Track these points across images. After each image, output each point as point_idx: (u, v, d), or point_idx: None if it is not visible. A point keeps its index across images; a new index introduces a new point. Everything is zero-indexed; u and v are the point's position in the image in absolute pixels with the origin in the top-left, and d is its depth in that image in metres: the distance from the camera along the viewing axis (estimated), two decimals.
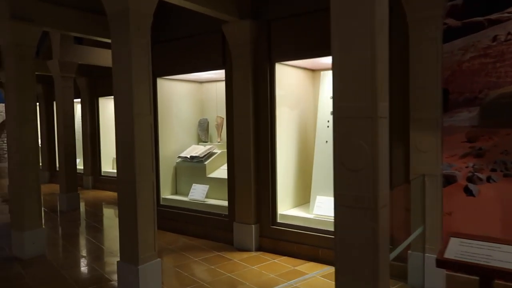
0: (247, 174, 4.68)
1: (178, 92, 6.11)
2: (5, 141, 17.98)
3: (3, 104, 14.76)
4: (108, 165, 9.77)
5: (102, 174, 9.55)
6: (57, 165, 8.90)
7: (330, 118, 4.63)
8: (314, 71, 5.31)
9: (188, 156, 5.86)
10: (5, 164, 16.56)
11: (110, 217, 7.05)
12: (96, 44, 7.55)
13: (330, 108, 4.86)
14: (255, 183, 4.69)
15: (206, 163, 5.76)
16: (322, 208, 4.46)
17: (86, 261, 4.53)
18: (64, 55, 6.93)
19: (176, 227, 5.52)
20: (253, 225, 4.68)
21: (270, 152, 4.63)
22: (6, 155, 17.76)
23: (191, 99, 6.32)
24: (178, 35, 5.47)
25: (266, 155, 4.65)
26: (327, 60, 4.64)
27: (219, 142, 6.16)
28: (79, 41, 7.87)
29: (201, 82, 6.46)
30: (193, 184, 5.69)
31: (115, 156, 9.72)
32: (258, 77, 4.64)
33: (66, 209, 7.00)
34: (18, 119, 4.46)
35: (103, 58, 7.61)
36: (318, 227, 4.35)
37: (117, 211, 7.12)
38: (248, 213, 4.70)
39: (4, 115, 15.17)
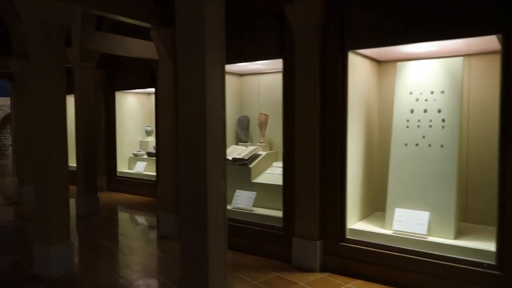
0: (311, 181, 3.99)
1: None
2: (7, 137, 17.21)
3: (5, 98, 13.99)
4: (124, 165, 9.05)
5: (118, 174, 8.83)
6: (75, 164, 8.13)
7: (410, 117, 3.95)
8: (380, 62, 4.63)
9: (230, 158, 5.16)
10: (7, 161, 15.81)
11: (136, 225, 6.35)
12: (116, 32, 6.84)
13: (410, 106, 4.20)
14: (321, 191, 4.00)
15: (251, 166, 5.06)
16: (403, 223, 3.78)
17: (124, 282, 3.82)
18: (85, 42, 6.21)
19: None
20: (317, 241, 4.00)
21: (340, 156, 3.94)
22: (7, 152, 17.00)
23: (230, 94, 5.62)
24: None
25: (334, 159, 3.96)
26: (405, 49, 3.96)
27: (261, 142, 5.47)
28: (97, 28, 7.15)
29: (241, 74, 5.76)
30: (237, 191, 4.99)
31: (132, 155, 9.10)
32: (327, 67, 3.95)
33: (85, 215, 6.28)
34: (43, 112, 3.74)
35: (127, 47, 6.89)
36: (399, 246, 3.68)
37: (141, 218, 6.52)
38: (311, 226, 4.01)
39: (7, 109, 14.38)
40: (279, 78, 5.42)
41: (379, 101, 4.66)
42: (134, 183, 8.31)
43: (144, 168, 8.50)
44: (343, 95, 3.92)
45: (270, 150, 5.49)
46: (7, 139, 17.15)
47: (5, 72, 10.29)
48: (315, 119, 3.96)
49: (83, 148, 6.29)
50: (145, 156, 8.87)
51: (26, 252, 4.66)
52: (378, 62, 4.61)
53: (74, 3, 3.93)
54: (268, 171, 5.23)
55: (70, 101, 8.16)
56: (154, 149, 8.97)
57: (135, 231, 5.83)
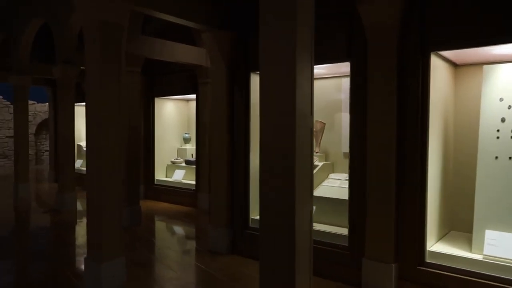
0: (386, 196, 3.58)
1: None
2: (43, 142, 17.47)
3: (44, 104, 14.14)
4: (161, 173, 8.84)
5: (156, 182, 8.62)
6: None
7: (501, 126, 3.50)
8: (457, 65, 4.20)
9: None
10: (43, 167, 16.01)
11: (180, 237, 6.08)
12: (158, 36, 6.64)
13: (500, 114, 3.72)
14: (397, 208, 3.59)
15: None
16: (496, 247, 3.31)
17: None
18: (131, 46, 6.04)
19: None
20: (392, 265, 3.57)
21: (420, 169, 3.53)
22: (43, 157, 17.24)
23: None
24: None
25: (413, 172, 3.54)
26: (493, 51, 3.53)
27: (317, 152, 5.10)
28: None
29: None
30: None
31: (169, 163, 8.88)
32: (405, 71, 3.56)
33: (128, 226, 6.05)
34: (99, 118, 3.50)
35: (171, 52, 6.69)
36: (492, 273, 3.21)
37: (185, 229, 6.23)
38: (385, 247, 3.60)
39: (43, 115, 14.55)
40: (335, 83, 5.08)
41: (455, 108, 4.22)
42: (172, 192, 8.06)
43: (183, 177, 8.26)
44: (423, 102, 3.51)
45: (325, 160, 5.11)
46: (43, 144, 17.42)
47: (46, 78, 10.38)
48: (391, 129, 3.56)
49: (127, 157, 6.08)
50: (183, 164, 8.64)
51: (69, 263, 4.45)
52: (455, 65, 4.18)
53: (135, 3, 3.70)
54: (325, 183, 4.85)
55: None
56: (193, 157, 8.75)
57: (181, 245, 5.54)
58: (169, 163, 8.83)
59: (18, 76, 8.26)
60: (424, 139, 3.51)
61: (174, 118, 9.06)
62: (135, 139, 6.22)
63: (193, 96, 8.35)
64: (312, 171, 2.47)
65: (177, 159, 8.81)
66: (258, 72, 4.82)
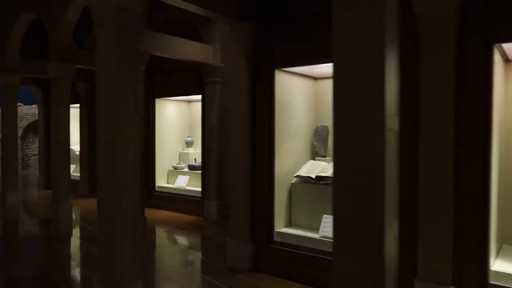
0: (443, 210, 3.15)
1: (296, 89, 4.63)
2: (29, 146, 16.68)
3: (31, 106, 13.39)
4: (162, 179, 8.29)
5: (157, 189, 8.05)
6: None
7: None
8: (508, 61, 3.80)
9: (313, 176, 4.34)
10: (29, 172, 15.25)
11: (193, 252, 5.56)
12: (162, 31, 6.13)
13: None
14: (455, 223, 3.15)
15: None
16: None
17: None
18: (137, 41, 5.49)
19: (294, 273, 4.00)
20: (451, 287, 3.14)
21: (483, 178, 3.10)
22: (29, 162, 16.45)
23: (306, 100, 4.84)
24: (309, 11, 3.99)
25: (474, 183, 3.11)
26: None
27: None
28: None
29: (317, 78, 4.98)
30: (324, 216, 4.16)
31: (171, 168, 8.31)
32: (465, 65, 3.13)
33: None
34: (112, 121, 2.99)
35: (178, 49, 6.18)
36: None
37: (193, 240, 5.65)
38: (442, 267, 3.16)
39: (30, 117, 13.79)
40: None
41: (506, 107, 3.83)
42: (175, 199, 7.52)
43: (187, 183, 7.72)
44: (487, 101, 3.09)
45: None
46: (29, 148, 16.63)
47: (35, 78, 9.73)
48: (449, 134, 3.13)
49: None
50: (186, 170, 8.11)
51: (73, 283, 3.90)
52: (507, 60, 3.79)
53: None
54: None
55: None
56: (196, 161, 8.23)
57: (195, 260, 5.02)
58: (171, 168, 8.28)
59: (7, 75, 7.64)
60: (488, 144, 3.09)
61: (175, 121, 8.52)
62: (139, 143, 5.67)
63: (196, 97, 7.86)
64: (397, 185, 2.01)
65: (179, 164, 8.27)
66: (284, 69, 4.38)
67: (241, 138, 4.36)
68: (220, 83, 6.85)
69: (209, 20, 6.79)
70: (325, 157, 4.80)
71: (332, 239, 1.97)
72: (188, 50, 6.32)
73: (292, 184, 4.54)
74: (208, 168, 6.93)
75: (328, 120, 4.89)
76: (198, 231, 6.19)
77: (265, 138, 4.30)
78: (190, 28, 7.02)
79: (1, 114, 8.07)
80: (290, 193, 4.55)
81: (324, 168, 4.45)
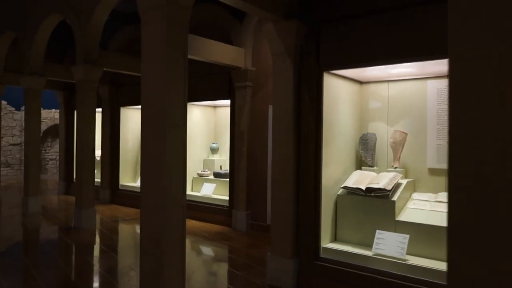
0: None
1: (341, 93, 4.32)
2: (48, 150, 16.62)
3: (50, 110, 13.30)
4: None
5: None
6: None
7: None
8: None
9: (362, 188, 4.00)
10: (47, 176, 15.16)
11: (228, 266, 5.24)
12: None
13: None
14: None
15: (395, 199, 3.89)
16: None
17: None
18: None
19: None
20: None
21: None
22: (47, 166, 16.38)
23: (351, 105, 4.51)
24: (369, 8, 3.68)
25: None
26: None
27: (395, 167, 4.30)
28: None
29: (362, 82, 4.65)
30: (378, 231, 3.80)
31: (195, 176, 8.06)
32: None
33: None
34: (161, 122, 2.71)
35: (208, 51, 5.92)
36: None
37: (225, 252, 5.05)
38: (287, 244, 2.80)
39: (49, 122, 13.70)
40: (420, 86, 4.31)
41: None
42: (201, 208, 7.22)
43: (213, 191, 7.43)
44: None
45: (406, 177, 4.31)
46: (48, 152, 16.58)
47: (57, 81, 9.60)
48: None
49: None
50: (211, 177, 7.83)
51: None
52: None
53: None
54: (411, 205, 4.04)
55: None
56: (221, 169, 7.94)
57: (231, 275, 4.70)
58: (195, 176, 8.01)
59: (31, 78, 7.48)
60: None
61: (200, 126, 8.27)
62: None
63: (222, 102, 7.63)
64: None
65: (204, 171, 7.99)
66: (333, 71, 4.07)
67: (284, 145, 4.05)
68: (251, 87, 6.57)
69: (241, 22, 6.54)
70: (372, 167, 4.46)
71: (447, 267, 1.63)
72: (219, 52, 6.06)
73: (338, 195, 4.20)
74: (237, 176, 6.63)
75: (374, 127, 4.56)
76: (228, 243, 5.87)
77: (311, 145, 3.99)
78: (219, 30, 6.78)
79: (24, 118, 7.89)
80: (336, 205, 4.21)
81: (374, 179, 4.11)
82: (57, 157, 15.90)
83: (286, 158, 4.03)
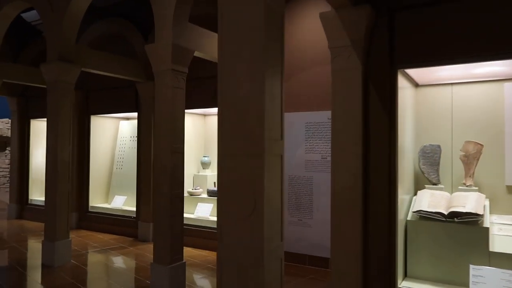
0: None
1: (403, 97, 3.60)
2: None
3: (1, 120, 11.48)
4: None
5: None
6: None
7: None
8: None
9: (443, 212, 3.28)
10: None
11: None
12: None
13: None
14: None
15: (487, 225, 3.20)
16: None
17: None
18: (178, 36, 4.28)
19: None
20: None
21: None
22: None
23: (406, 112, 3.81)
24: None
25: None
26: None
27: (467, 185, 3.64)
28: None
29: (418, 84, 3.99)
30: (472, 267, 3.07)
31: (186, 194, 6.97)
32: None
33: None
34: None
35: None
36: None
37: None
38: None
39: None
40: (493, 89, 3.72)
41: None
42: (198, 233, 6.18)
43: (210, 213, 6.41)
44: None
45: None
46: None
47: (9, 85, 8.11)
48: None
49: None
50: (204, 196, 6.82)
51: None
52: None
53: None
54: (495, 231, 3.38)
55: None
56: (215, 186, 6.95)
57: None
58: (186, 194, 6.93)
59: None
60: None
61: (188, 137, 7.21)
62: (180, 165, 4.38)
63: (214, 109, 6.72)
64: None
65: (195, 188, 6.95)
66: (410, 69, 3.34)
67: (348, 159, 3.24)
68: None
69: None
70: (436, 184, 3.77)
71: None
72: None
73: (410, 222, 3.46)
74: (334, 205, 5.68)
75: (433, 137, 3.90)
76: None
77: (383, 159, 3.22)
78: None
79: None
80: (406, 234, 3.46)
81: (452, 200, 3.41)
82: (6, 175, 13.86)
83: (351, 175, 3.22)
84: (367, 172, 3.26)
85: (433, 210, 3.32)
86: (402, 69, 3.27)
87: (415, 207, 3.46)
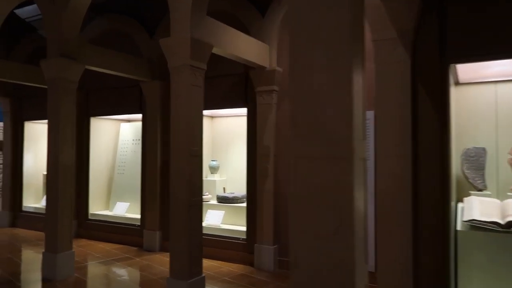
0: None
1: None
2: None
3: None
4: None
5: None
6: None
7: None
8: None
9: (500, 222, 2.98)
10: None
11: None
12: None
13: None
14: None
15: None
16: None
17: None
18: (196, 30, 3.93)
19: None
20: None
21: None
22: None
23: (451, 111, 3.51)
24: None
25: None
26: None
27: None
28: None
29: (459, 82, 3.70)
30: None
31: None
32: None
33: None
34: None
35: (233, 44, 4.67)
36: None
37: None
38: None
39: None
40: None
41: None
42: (210, 242, 5.76)
43: (222, 220, 6.04)
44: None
45: None
46: None
47: (2, 84, 7.67)
48: None
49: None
50: (214, 202, 6.45)
51: None
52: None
53: None
54: None
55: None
56: (225, 191, 6.61)
57: None
58: None
59: None
60: None
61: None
62: (199, 170, 4.02)
63: (221, 111, 6.42)
64: None
65: (204, 194, 6.56)
66: (464, 63, 3.03)
67: (394, 162, 2.92)
68: (276, 92, 5.38)
69: (263, 16, 5.38)
70: (481, 190, 3.48)
71: None
72: (243, 46, 4.82)
73: (460, 232, 3.14)
74: (259, 200, 5.35)
75: (475, 139, 3.60)
76: None
77: (435, 163, 2.91)
78: (236, 24, 5.54)
79: None
80: (456, 245, 3.14)
81: (509, 208, 3.11)
82: None
83: (400, 183, 2.90)
84: (416, 177, 2.94)
85: (488, 220, 3.01)
86: (454, 62, 2.97)
87: (466, 215, 3.15)
